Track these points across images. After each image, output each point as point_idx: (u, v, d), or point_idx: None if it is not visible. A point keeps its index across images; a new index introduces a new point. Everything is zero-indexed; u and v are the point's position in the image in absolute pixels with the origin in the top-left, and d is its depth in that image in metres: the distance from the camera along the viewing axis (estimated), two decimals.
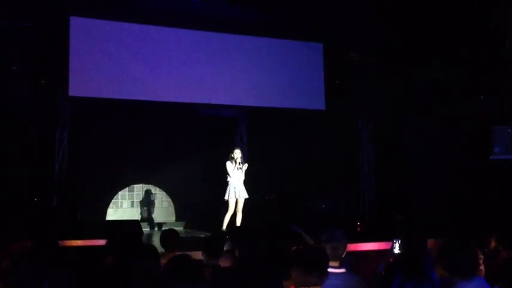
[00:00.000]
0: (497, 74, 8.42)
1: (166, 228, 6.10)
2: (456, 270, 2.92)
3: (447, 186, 9.03)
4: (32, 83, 8.80)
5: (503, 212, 7.41)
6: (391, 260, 3.91)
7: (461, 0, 8.13)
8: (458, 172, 8.99)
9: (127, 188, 10.96)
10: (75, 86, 8.48)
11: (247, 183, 7.88)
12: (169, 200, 11.24)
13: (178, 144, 10.73)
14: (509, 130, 8.89)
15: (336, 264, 3.13)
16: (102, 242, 4.36)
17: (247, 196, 7.80)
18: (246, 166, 7.76)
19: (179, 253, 3.03)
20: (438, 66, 9.13)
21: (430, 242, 4.40)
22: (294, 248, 3.13)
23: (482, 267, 3.61)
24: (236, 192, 7.70)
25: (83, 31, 8.70)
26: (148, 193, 11.04)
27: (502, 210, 7.56)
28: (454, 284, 2.88)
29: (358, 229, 8.90)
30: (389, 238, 4.30)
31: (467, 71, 8.66)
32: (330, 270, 2.83)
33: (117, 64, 8.85)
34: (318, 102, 10.14)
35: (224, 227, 7.66)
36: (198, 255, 3.68)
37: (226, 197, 7.73)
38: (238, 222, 7.72)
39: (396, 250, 4.06)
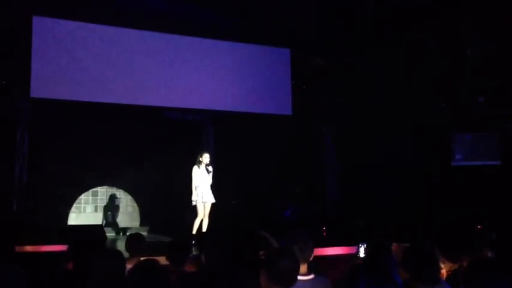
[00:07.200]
0: (459, 82, 8.66)
1: (131, 233, 5.99)
2: (420, 276, 2.96)
3: (410, 191, 9.21)
4: None
5: (463, 217, 7.60)
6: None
7: (424, 11, 8.34)
8: (421, 178, 9.19)
9: (90, 192, 10.73)
10: (37, 87, 8.28)
11: (213, 188, 7.84)
12: (134, 204, 11.07)
13: (143, 147, 10.56)
14: (468, 138, 9.17)
15: (304, 269, 3.04)
16: (63, 247, 4.25)
17: (213, 201, 7.75)
18: (211, 169, 7.72)
19: (144, 258, 2.98)
20: (401, 74, 9.31)
21: (394, 246, 4.46)
22: (261, 252, 3.11)
23: (444, 270, 3.68)
24: (203, 196, 7.65)
25: (46, 31, 8.50)
26: (112, 198, 10.84)
27: (462, 215, 7.75)
28: None
29: (324, 234, 8.96)
30: (355, 242, 4.34)
31: (429, 79, 8.87)
32: (298, 277, 2.76)
33: (80, 65, 8.68)
34: (284, 107, 10.19)
35: (194, 231, 7.59)
36: (163, 260, 3.63)
37: (194, 202, 7.66)
38: (205, 227, 7.66)
39: (361, 254, 4.10)
